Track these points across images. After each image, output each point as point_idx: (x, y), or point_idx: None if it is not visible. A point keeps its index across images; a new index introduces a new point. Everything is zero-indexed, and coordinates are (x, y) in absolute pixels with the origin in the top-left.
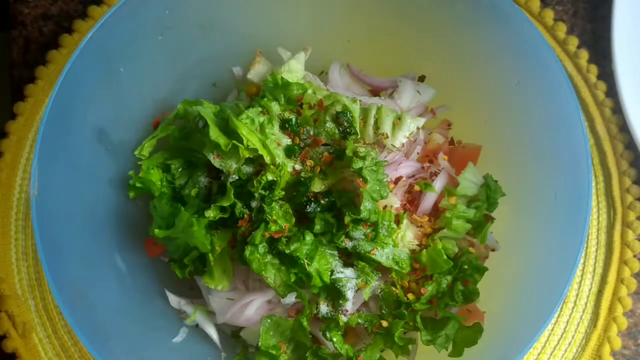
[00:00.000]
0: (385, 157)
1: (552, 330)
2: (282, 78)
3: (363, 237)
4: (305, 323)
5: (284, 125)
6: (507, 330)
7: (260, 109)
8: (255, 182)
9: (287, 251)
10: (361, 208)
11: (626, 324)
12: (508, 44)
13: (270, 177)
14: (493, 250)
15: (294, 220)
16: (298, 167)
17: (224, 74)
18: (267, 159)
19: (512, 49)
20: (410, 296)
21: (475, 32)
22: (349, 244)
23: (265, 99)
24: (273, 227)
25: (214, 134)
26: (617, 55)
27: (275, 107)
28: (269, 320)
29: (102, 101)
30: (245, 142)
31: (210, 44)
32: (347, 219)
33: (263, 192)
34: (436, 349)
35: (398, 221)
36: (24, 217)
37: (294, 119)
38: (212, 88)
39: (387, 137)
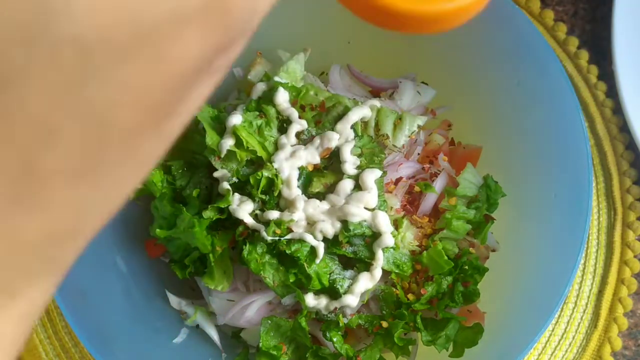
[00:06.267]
0: (385, 159)
1: (553, 330)
2: (275, 82)
3: (363, 242)
4: (304, 323)
5: (283, 127)
6: (507, 331)
7: (257, 113)
8: (252, 179)
9: (287, 251)
10: (350, 228)
11: (627, 325)
12: (508, 44)
13: (266, 173)
14: (493, 250)
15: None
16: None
17: (224, 75)
18: (266, 160)
19: (512, 49)
20: (411, 297)
21: (475, 33)
22: (349, 249)
23: (261, 102)
24: (273, 228)
25: (211, 139)
26: (617, 55)
27: (272, 110)
28: (269, 321)
29: None
30: (245, 144)
31: None
32: (341, 237)
33: (263, 197)
34: (436, 349)
35: (397, 226)
36: None
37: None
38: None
39: (388, 137)
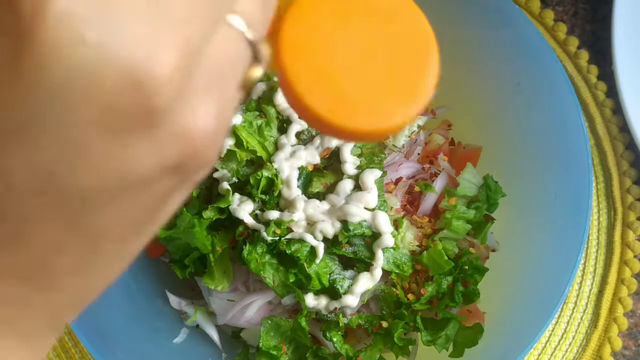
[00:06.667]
0: (385, 159)
1: (553, 330)
2: (275, 82)
3: (363, 242)
4: (304, 323)
5: (283, 127)
6: (508, 331)
7: (257, 113)
8: (252, 179)
9: (287, 251)
10: (350, 228)
11: (627, 325)
12: (508, 45)
13: (266, 173)
14: (493, 250)
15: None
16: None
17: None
18: (266, 159)
19: (513, 50)
20: (411, 297)
21: (475, 33)
22: (349, 249)
23: (261, 102)
24: (273, 228)
25: None
26: (617, 55)
27: (272, 110)
28: (269, 321)
29: None
30: (245, 144)
31: None
32: (341, 237)
33: (263, 197)
34: (436, 349)
35: (397, 226)
36: None
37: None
38: None
39: (388, 137)
